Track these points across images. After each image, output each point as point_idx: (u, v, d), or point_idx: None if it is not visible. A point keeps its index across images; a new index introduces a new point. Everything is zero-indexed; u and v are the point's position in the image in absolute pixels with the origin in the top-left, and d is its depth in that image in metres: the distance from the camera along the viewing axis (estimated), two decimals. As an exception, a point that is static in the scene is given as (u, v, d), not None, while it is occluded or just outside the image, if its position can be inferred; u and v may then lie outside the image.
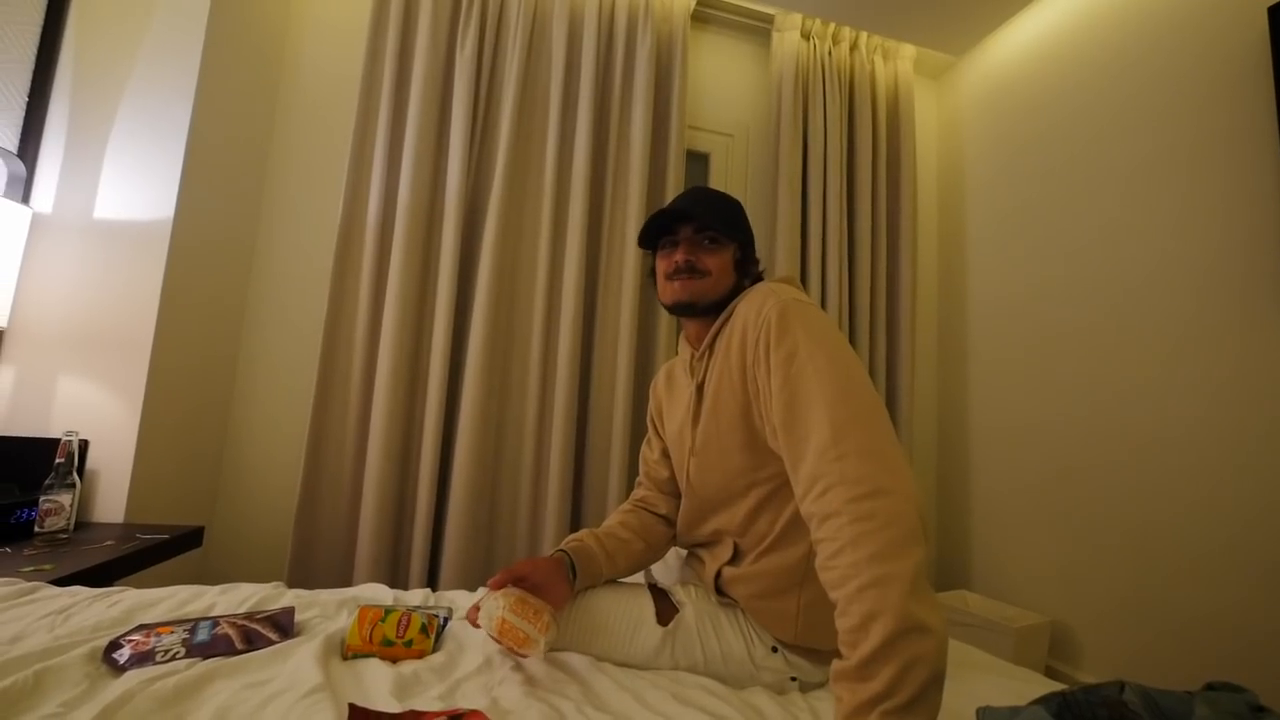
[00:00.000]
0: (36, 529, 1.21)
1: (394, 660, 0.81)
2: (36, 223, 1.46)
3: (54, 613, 0.86)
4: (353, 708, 0.65)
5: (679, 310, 0.99)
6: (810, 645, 0.87)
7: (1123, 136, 1.79)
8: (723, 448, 0.91)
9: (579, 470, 1.90)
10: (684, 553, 1.12)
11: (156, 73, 1.55)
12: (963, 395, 2.33)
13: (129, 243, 1.49)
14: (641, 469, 1.18)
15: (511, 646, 0.79)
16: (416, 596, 1.10)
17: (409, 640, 0.84)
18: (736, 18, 2.29)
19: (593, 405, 1.92)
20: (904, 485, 0.66)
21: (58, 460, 1.23)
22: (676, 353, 1.15)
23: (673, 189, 2.03)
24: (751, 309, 0.87)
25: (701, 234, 0.97)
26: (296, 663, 0.75)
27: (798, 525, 0.85)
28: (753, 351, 0.84)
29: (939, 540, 2.33)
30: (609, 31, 2.05)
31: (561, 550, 0.95)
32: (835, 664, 0.62)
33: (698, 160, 2.33)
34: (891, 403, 2.22)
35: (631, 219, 1.96)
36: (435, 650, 0.86)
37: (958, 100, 2.50)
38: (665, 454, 1.13)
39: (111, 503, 1.42)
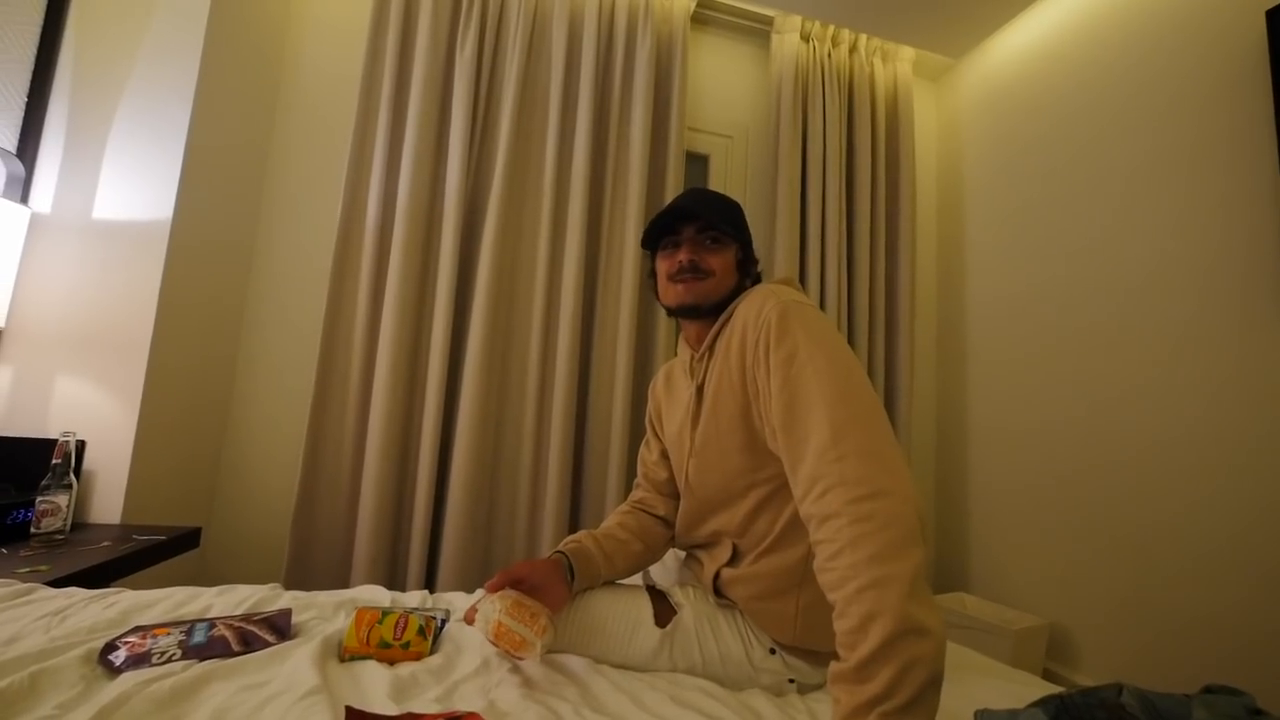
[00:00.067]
0: (33, 530, 1.21)
1: (391, 662, 0.81)
2: (35, 223, 1.46)
3: (50, 614, 0.85)
4: (350, 710, 0.65)
5: (682, 313, 0.99)
6: (809, 647, 0.87)
7: (1122, 138, 1.80)
8: (722, 449, 0.91)
9: (577, 471, 1.90)
10: (682, 554, 1.11)
11: (156, 73, 1.55)
12: (961, 396, 2.33)
13: (128, 243, 1.49)
14: (640, 470, 1.18)
15: (508, 650, 0.79)
16: (414, 598, 1.09)
17: (406, 642, 0.84)
18: (736, 19, 2.30)
19: (591, 406, 1.92)
20: (903, 487, 0.66)
21: (54, 461, 1.23)
22: (675, 354, 1.15)
23: (672, 190, 2.03)
24: (751, 310, 0.87)
25: (704, 234, 0.97)
26: (293, 665, 0.75)
27: (797, 526, 0.85)
28: (752, 353, 0.84)
29: (937, 542, 2.33)
30: (609, 32, 2.06)
31: (559, 552, 0.94)
32: (833, 665, 0.62)
33: (697, 161, 2.33)
34: (890, 404, 2.22)
35: (631, 220, 1.96)
36: (433, 652, 0.86)
37: (957, 102, 2.50)
38: (664, 455, 1.13)
39: (108, 503, 1.42)
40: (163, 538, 1.31)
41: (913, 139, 2.38)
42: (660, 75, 2.09)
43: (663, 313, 1.94)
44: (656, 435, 1.15)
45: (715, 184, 2.31)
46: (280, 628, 0.85)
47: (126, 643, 0.76)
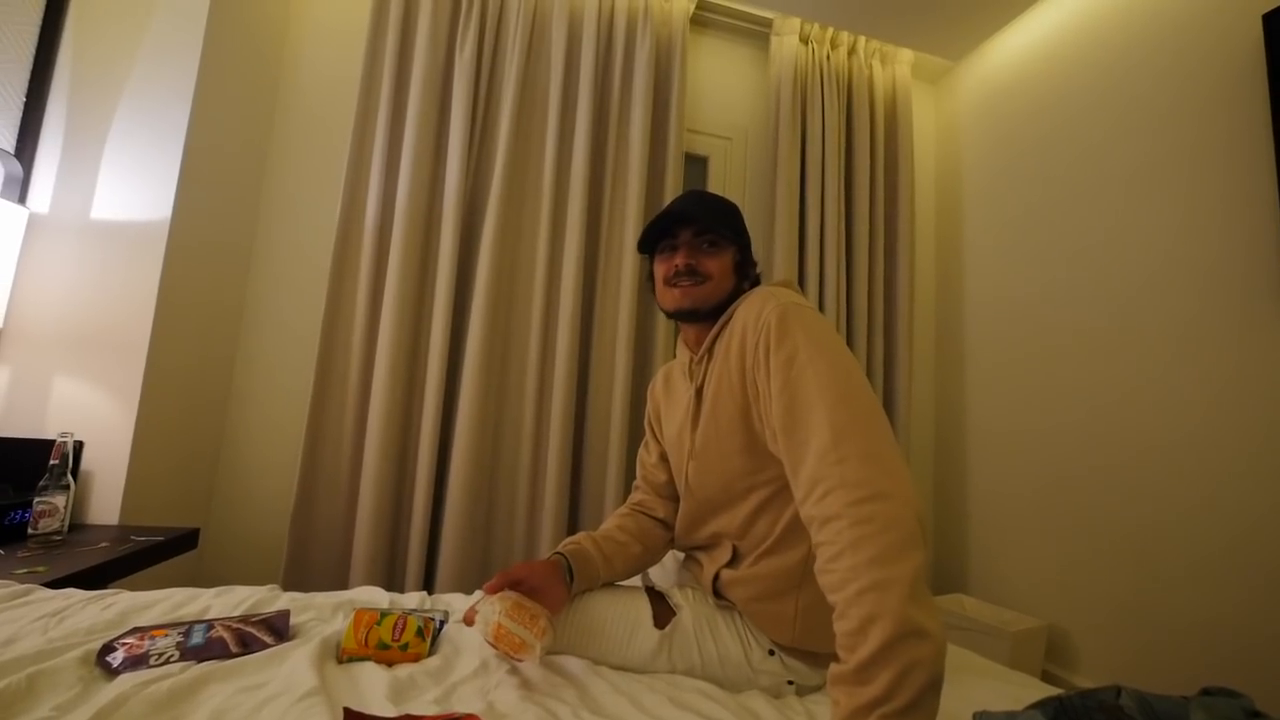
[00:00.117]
0: (30, 531, 1.21)
1: (390, 664, 0.81)
2: (33, 223, 1.46)
3: (48, 615, 0.85)
4: (348, 712, 0.65)
5: (680, 316, 0.99)
6: (808, 648, 0.87)
7: (1121, 141, 1.80)
8: (722, 451, 0.91)
9: (576, 472, 1.90)
10: (681, 555, 1.11)
11: (155, 73, 1.55)
12: (960, 398, 2.33)
13: (126, 243, 1.49)
14: (639, 472, 1.18)
15: (508, 652, 0.79)
16: (413, 599, 1.09)
17: (405, 644, 0.84)
18: (735, 21, 2.30)
19: (590, 407, 1.92)
20: (904, 489, 0.66)
21: (52, 461, 1.22)
22: (674, 355, 1.15)
23: (671, 192, 2.03)
24: (750, 312, 0.87)
25: (701, 237, 0.97)
26: (292, 666, 0.75)
27: (797, 528, 0.85)
28: (752, 355, 0.84)
29: (936, 543, 2.33)
30: (608, 34, 2.06)
31: (558, 553, 0.94)
32: (833, 667, 0.62)
33: (696, 163, 2.33)
34: (889, 405, 2.22)
35: (630, 221, 1.96)
36: (431, 654, 0.86)
37: (955, 105, 2.51)
38: (663, 457, 1.13)
39: (106, 504, 1.42)
40: (161, 539, 1.31)
41: (911, 141, 2.38)
42: (659, 77, 2.09)
43: (662, 314, 1.95)
44: (655, 437, 1.15)
45: (714, 186, 2.32)
46: (278, 629, 0.85)
47: (124, 644, 0.76)
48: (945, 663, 0.59)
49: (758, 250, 1.08)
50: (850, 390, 0.75)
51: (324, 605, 1.00)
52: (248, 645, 0.80)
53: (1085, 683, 1.71)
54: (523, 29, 1.94)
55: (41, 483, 1.21)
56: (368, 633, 0.83)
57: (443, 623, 0.95)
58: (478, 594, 0.97)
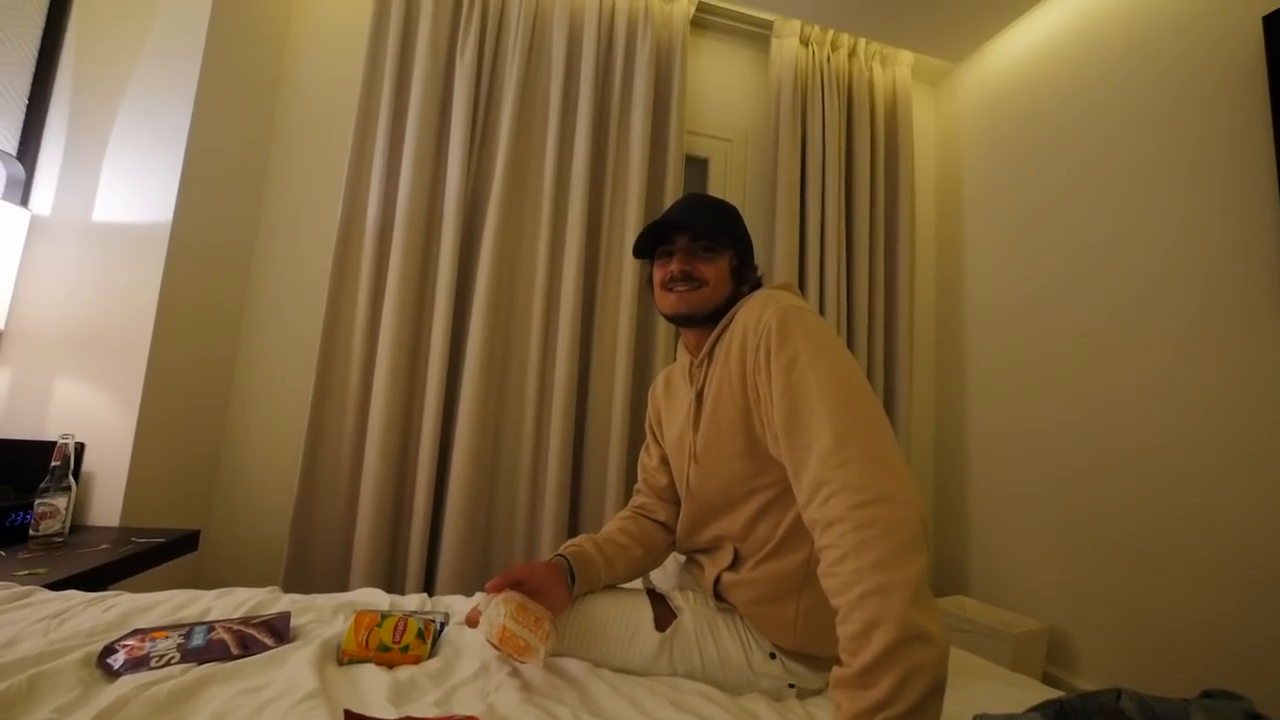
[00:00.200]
0: (31, 532, 1.21)
1: (390, 666, 0.81)
2: (35, 225, 1.46)
3: (48, 617, 0.85)
4: (348, 714, 0.65)
5: (677, 321, 1.00)
6: (809, 652, 0.87)
7: (1121, 142, 1.80)
8: (723, 454, 0.91)
9: (577, 474, 1.90)
10: (682, 558, 1.11)
11: (157, 76, 1.55)
12: (961, 399, 2.33)
13: (128, 245, 1.49)
14: (640, 476, 1.18)
15: (511, 654, 0.79)
16: (413, 601, 1.09)
17: (405, 646, 0.84)
18: (735, 24, 2.30)
19: (591, 409, 1.92)
20: (907, 492, 0.66)
21: (53, 463, 1.22)
22: (675, 358, 1.15)
23: (671, 194, 2.03)
24: (751, 316, 0.87)
25: (697, 243, 0.97)
26: (292, 668, 0.75)
27: (799, 531, 0.85)
28: (753, 358, 0.84)
29: (937, 545, 2.33)
30: (608, 37, 2.06)
31: (560, 555, 0.94)
32: (835, 671, 0.62)
33: (696, 165, 2.33)
34: (889, 407, 2.22)
35: (630, 224, 1.96)
36: (432, 656, 0.86)
37: (955, 106, 2.51)
38: (664, 461, 1.13)
39: (107, 506, 1.42)
40: (161, 540, 1.31)
41: (911, 143, 2.38)
42: (660, 79, 2.10)
43: (662, 317, 1.95)
44: (656, 440, 1.15)
45: (714, 187, 2.32)
46: (279, 631, 0.85)
47: (125, 646, 0.76)
48: (948, 666, 0.59)
49: (758, 252, 1.08)
50: (852, 393, 0.75)
51: (324, 607, 1.00)
52: (248, 647, 0.80)
53: (1086, 685, 1.71)
54: (523, 31, 1.95)
55: (42, 484, 1.21)
56: (368, 635, 0.83)
57: (443, 625, 0.95)
58: (478, 595, 0.97)
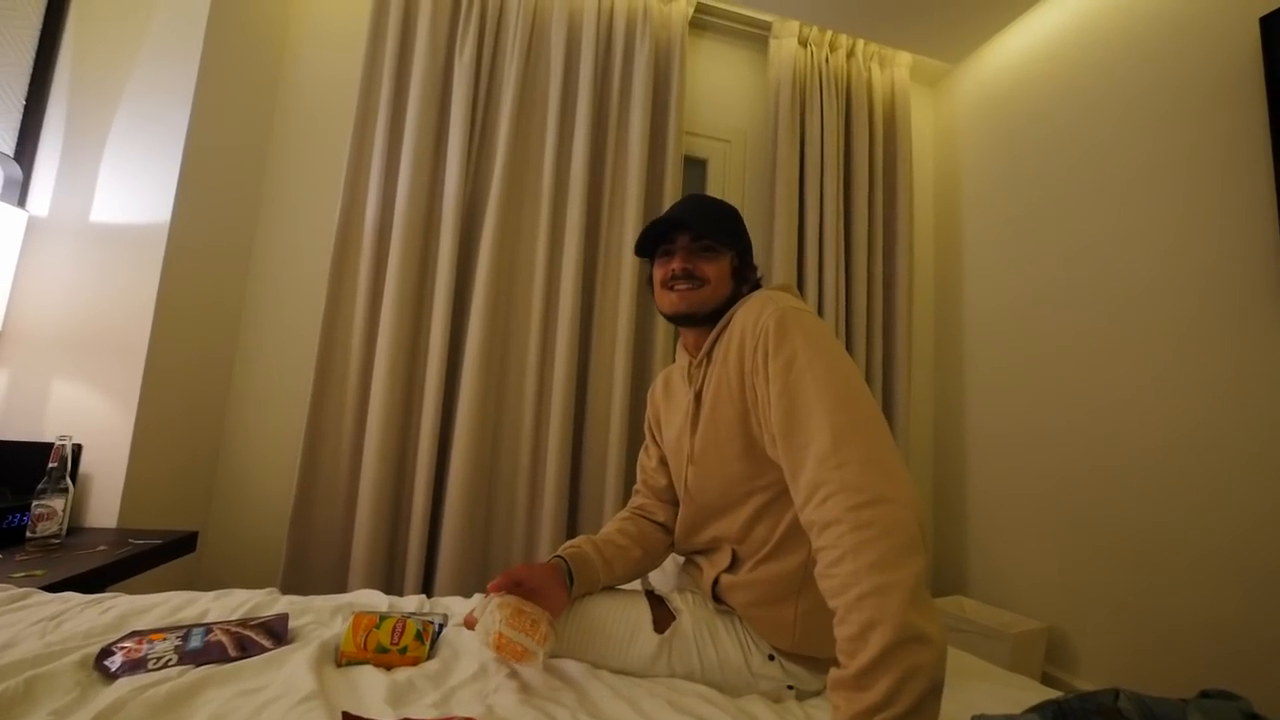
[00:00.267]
0: (28, 534, 1.20)
1: (388, 667, 0.81)
2: (32, 226, 1.46)
3: (45, 619, 0.85)
4: (346, 715, 0.65)
5: (677, 320, 1.00)
6: (807, 653, 0.87)
7: (1119, 143, 1.81)
8: (721, 455, 0.91)
9: (575, 475, 1.90)
10: (681, 559, 1.11)
11: (155, 76, 1.55)
12: (959, 400, 2.34)
13: (125, 246, 1.49)
14: (639, 476, 1.18)
15: (509, 659, 0.79)
16: (411, 603, 1.09)
17: (404, 647, 0.84)
18: (734, 24, 2.31)
19: (590, 410, 1.92)
20: (904, 493, 0.66)
21: (51, 465, 1.22)
22: (674, 359, 1.15)
23: (670, 194, 2.03)
24: (749, 316, 0.87)
25: (699, 242, 0.97)
26: (290, 670, 0.75)
27: (796, 533, 0.85)
28: (751, 359, 0.84)
29: (935, 545, 2.33)
30: (607, 37, 2.06)
31: (559, 557, 0.94)
32: (833, 672, 0.62)
33: (695, 166, 2.34)
34: (888, 408, 2.22)
35: (629, 224, 1.96)
36: (430, 657, 0.85)
37: (954, 107, 2.51)
38: (662, 461, 1.13)
39: (105, 507, 1.41)
40: (159, 542, 1.30)
41: (910, 144, 2.39)
42: (658, 80, 2.10)
43: (661, 317, 1.94)
44: (655, 441, 1.15)
45: (713, 188, 2.32)
46: (277, 633, 0.85)
47: (122, 648, 0.76)
48: (946, 667, 0.59)
49: (757, 253, 1.08)
50: (850, 394, 0.75)
51: (323, 608, 1.00)
52: (246, 649, 0.80)
53: (1085, 685, 1.71)
54: (522, 31, 1.95)
55: (40, 486, 1.21)
56: (366, 636, 0.83)
57: (441, 626, 0.95)
58: (477, 597, 0.97)
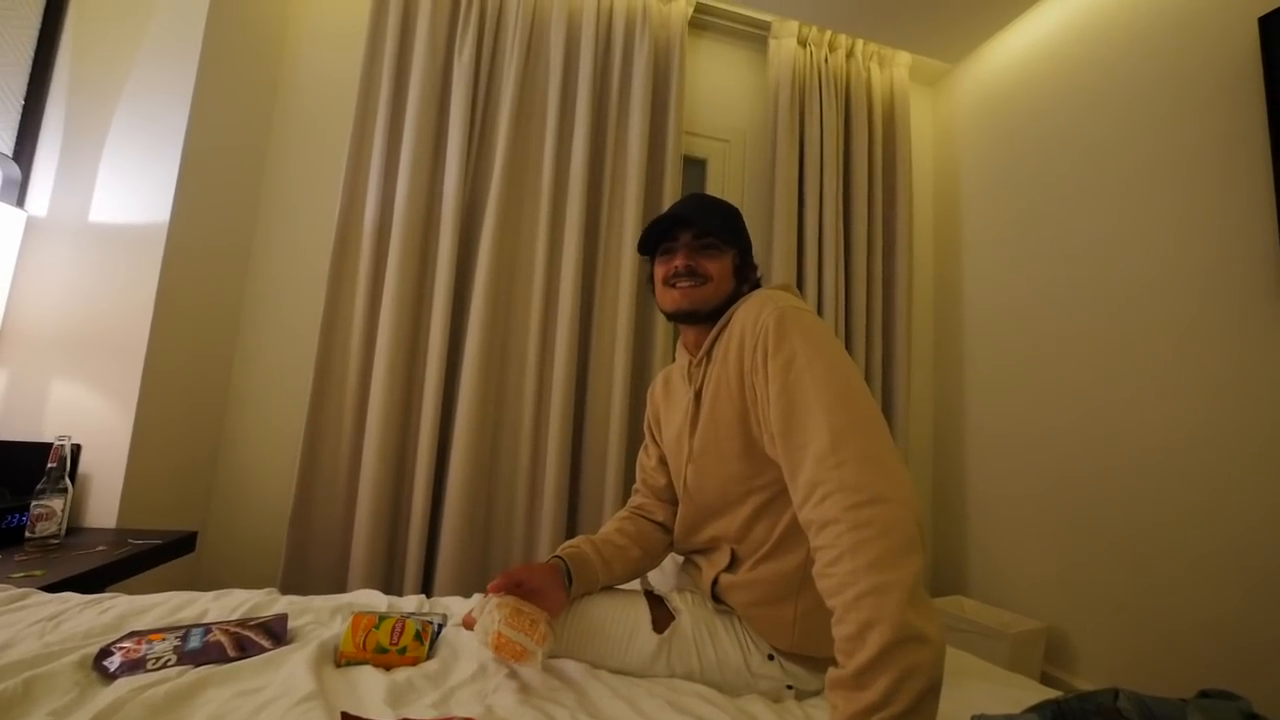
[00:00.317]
0: (27, 534, 1.20)
1: (388, 668, 0.81)
2: (31, 226, 1.46)
3: (44, 619, 0.85)
4: (345, 716, 0.65)
5: (679, 317, 1.00)
6: (807, 653, 0.87)
7: (1119, 143, 1.81)
8: (720, 455, 0.91)
9: (575, 475, 1.90)
10: (680, 559, 1.11)
11: (154, 76, 1.55)
12: (959, 400, 2.34)
13: (124, 246, 1.49)
14: (638, 476, 1.18)
15: (508, 659, 0.79)
16: (411, 603, 1.09)
17: (403, 647, 0.84)
18: (733, 24, 2.30)
19: (589, 410, 1.92)
20: (903, 493, 0.66)
21: (50, 465, 1.22)
22: (673, 359, 1.15)
23: (670, 194, 2.03)
24: (749, 316, 0.87)
25: (701, 239, 0.97)
26: (289, 670, 0.75)
27: (795, 532, 0.85)
28: (750, 358, 0.84)
29: (935, 545, 2.33)
30: (606, 37, 2.06)
31: (558, 557, 0.94)
32: (831, 672, 0.62)
33: (695, 166, 2.34)
34: (887, 407, 2.23)
35: (629, 224, 1.96)
36: (429, 657, 0.85)
37: (953, 107, 2.51)
38: (662, 461, 1.13)
39: (104, 508, 1.41)
40: (158, 542, 1.30)
41: (909, 143, 2.39)
42: (658, 80, 2.10)
43: (660, 317, 1.95)
44: (655, 441, 1.15)
45: (713, 188, 2.32)
46: (276, 633, 0.85)
47: (121, 648, 0.76)
48: (944, 666, 0.59)
49: (757, 253, 1.08)
50: (849, 393, 0.75)
51: (322, 608, 1.00)
52: (245, 649, 0.80)
53: (1084, 685, 1.71)
54: (521, 31, 1.94)
55: (39, 486, 1.21)
56: (366, 636, 0.83)
57: (441, 626, 0.95)
58: (476, 597, 0.97)
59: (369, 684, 0.75)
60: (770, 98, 2.26)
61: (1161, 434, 1.63)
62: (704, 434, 0.94)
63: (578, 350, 1.90)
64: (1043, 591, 1.91)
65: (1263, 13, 1.45)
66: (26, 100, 1.48)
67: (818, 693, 0.88)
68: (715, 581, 0.93)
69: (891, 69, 2.43)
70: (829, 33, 2.31)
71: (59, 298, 1.45)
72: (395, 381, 1.74)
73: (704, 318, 0.97)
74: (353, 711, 0.66)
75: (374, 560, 1.66)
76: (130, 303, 1.47)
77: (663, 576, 1.14)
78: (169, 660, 0.75)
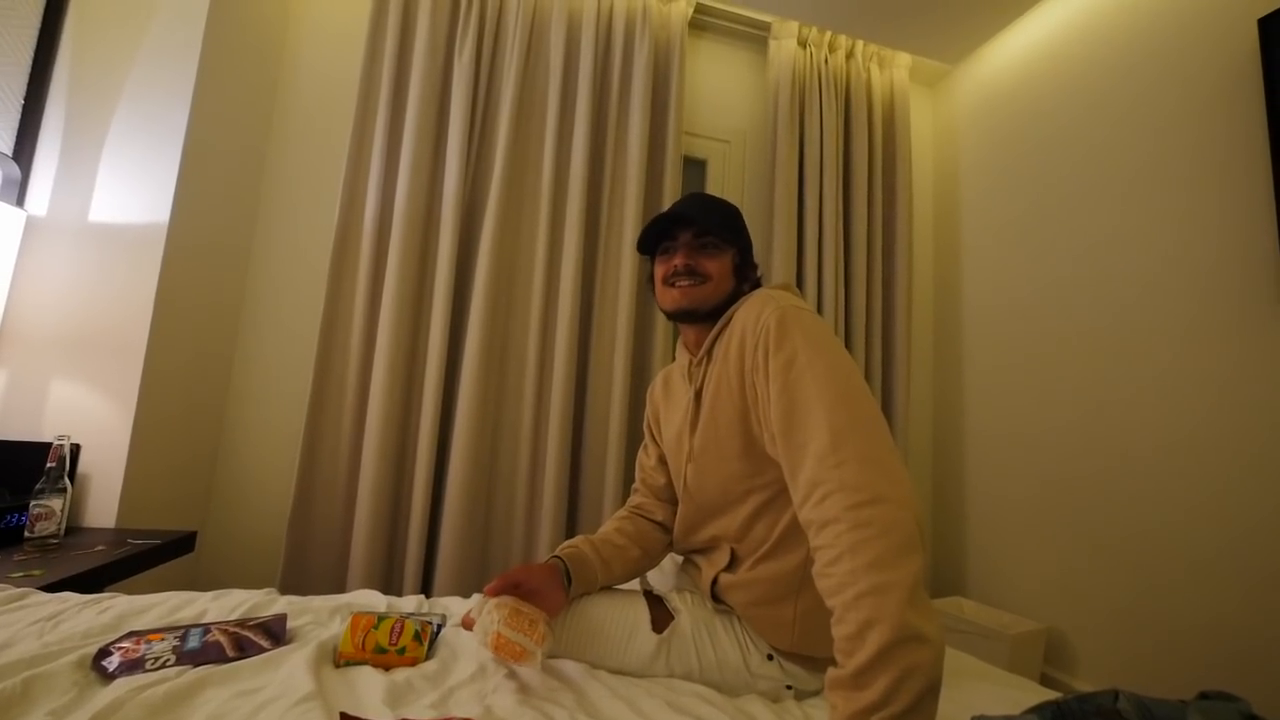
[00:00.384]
0: (27, 534, 1.20)
1: (387, 668, 0.81)
2: (31, 226, 1.46)
3: (43, 619, 0.85)
4: (344, 716, 0.65)
5: (678, 317, 1.00)
6: (806, 653, 0.87)
7: (1118, 144, 1.81)
8: (721, 454, 0.91)
9: (575, 475, 1.90)
10: (680, 559, 1.11)
11: (154, 76, 1.55)
12: (958, 400, 2.34)
13: (124, 246, 1.49)
14: (638, 475, 1.18)
15: (507, 659, 0.79)
16: (410, 603, 1.09)
17: (402, 648, 0.83)
18: (733, 25, 2.31)
19: (589, 410, 1.92)
20: (903, 493, 0.66)
21: (49, 464, 1.22)
22: (673, 358, 1.15)
23: (669, 195, 2.03)
24: (750, 315, 0.87)
25: (701, 239, 0.97)
26: (288, 670, 0.75)
27: (795, 532, 0.85)
28: (751, 358, 0.84)
29: (934, 546, 2.33)
30: (607, 38, 2.06)
31: (557, 557, 0.94)
32: (831, 672, 0.62)
33: (694, 166, 2.34)
34: (887, 407, 2.22)
35: (628, 224, 1.96)
36: (429, 658, 0.85)
37: (953, 108, 2.52)
38: (662, 460, 1.12)
39: (103, 507, 1.41)
40: (158, 542, 1.30)
41: (909, 144, 2.39)
42: (658, 80, 2.10)
43: (660, 316, 1.95)
44: (655, 440, 1.15)
45: (712, 189, 2.32)
46: (275, 633, 0.85)
47: (120, 648, 0.76)
48: (944, 667, 0.59)
49: (757, 253, 1.08)
50: (849, 393, 0.74)
51: (321, 609, 1.00)
52: (244, 649, 0.80)
53: (1084, 686, 1.71)
54: (521, 32, 1.94)
55: (38, 486, 1.21)
56: (365, 636, 0.83)
57: (440, 626, 0.95)
58: (476, 597, 0.97)
59: (368, 684, 0.75)
60: (770, 98, 2.26)
61: (1161, 434, 1.63)
62: (704, 433, 0.94)
63: (577, 350, 1.90)
64: (1042, 592, 1.91)
65: (1263, 14, 1.45)
66: (26, 100, 1.48)
67: (817, 693, 0.88)
68: (715, 581, 0.93)
69: (891, 70, 2.43)
70: (829, 33, 2.31)
71: (59, 297, 1.45)
72: (395, 381, 1.74)
73: (704, 317, 0.97)
74: (351, 712, 0.66)
75: (373, 560, 1.66)
76: (130, 302, 1.47)
77: (662, 576, 1.13)
78: (168, 660, 0.75)
